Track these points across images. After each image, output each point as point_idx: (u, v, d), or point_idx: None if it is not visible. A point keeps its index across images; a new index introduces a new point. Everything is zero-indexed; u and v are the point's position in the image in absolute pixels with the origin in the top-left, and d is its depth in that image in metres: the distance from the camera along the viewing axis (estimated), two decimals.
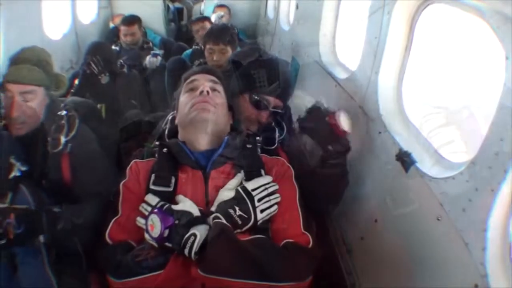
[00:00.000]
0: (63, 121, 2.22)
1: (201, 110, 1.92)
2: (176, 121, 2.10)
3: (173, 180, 1.87)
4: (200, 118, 1.91)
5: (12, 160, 1.87)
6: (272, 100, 2.32)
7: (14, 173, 1.84)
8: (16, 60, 2.22)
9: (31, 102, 2.14)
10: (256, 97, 2.30)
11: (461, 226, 1.42)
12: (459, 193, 1.45)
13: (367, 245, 1.89)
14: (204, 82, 2.04)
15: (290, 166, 2.00)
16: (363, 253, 1.93)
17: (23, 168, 1.88)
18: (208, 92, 1.97)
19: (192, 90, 2.04)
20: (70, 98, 2.73)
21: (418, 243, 1.67)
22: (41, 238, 1.73)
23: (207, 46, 3.84)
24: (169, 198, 1.82)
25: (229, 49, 3.78)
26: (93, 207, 1.99)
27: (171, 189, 1.85)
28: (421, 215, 1.67)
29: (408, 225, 1.76)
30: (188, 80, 2.12)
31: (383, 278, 1.91)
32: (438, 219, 1.53)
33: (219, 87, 2.10)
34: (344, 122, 1.89)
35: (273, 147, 2.29)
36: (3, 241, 1.68)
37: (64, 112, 2.27)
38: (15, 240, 1.65)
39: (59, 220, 1.81)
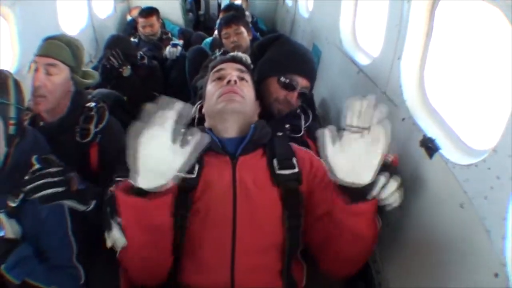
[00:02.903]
0: (92, 112, 2.28)
1: (229, 101, 1.91)
2: (203, 110, 2.11)
3: (197, 167, 1.85)
4: (228, 109, 1.91)
5: (34, 161, 1.84)
6: (300, 80, 2.34)
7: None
8: (48, 39, 2.34)
9: (53, 77, 2.22)
10: (284, 78, 2.31)
11: (483, 214, 1.42)
12: (481, 180, 1.44)
13: (391, 232, 1.90)
14: (232, 71, 2.05)
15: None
16: (388, 240, 1.93)
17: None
18: (235, 81, 1.97)
19: (219, 79, 2.04)
20: (97, 90, 2.78)
21: (441, 230, 1.66)
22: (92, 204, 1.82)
23: (222, 33, 3.96)
24: (193, 184, 1.82)
25: (242, 29, 3.89)
26: None
27: (194, 175, 1.83)
28: (445, 202, 1.66)
29: (432, 212, 1.76)
30: (215, 69, 2.12)
31: (407, 265, 1.91)
32: (462, 207, 1.53)
33: (247, 76, 2.10)
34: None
35: (299, 135, 2.31)
36: (61, 189, 1.75)
37: (93, 104, 2.33)
38: (78, 194, 1.71)
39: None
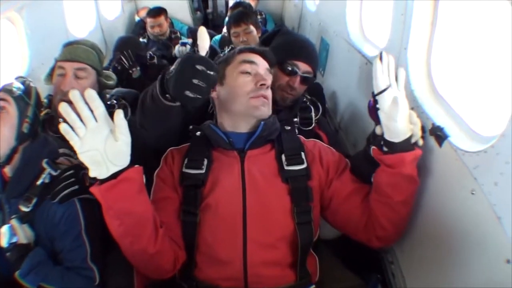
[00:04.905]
0: (114, 110, 2.31)
1: (261, 107, 1.90)
2: (215, 94, 2.04)
3: (205, 163, 1.87)
4: (258, 115, 1.92)
5: (44, 165, 1.88)
6: (301, 65, 2.40)
7: (42, 179, 1.86)
8: (71, 44, 2.38)
9: (83, 81, 2.28)
10: (285, 64, 2.38)
11: (494, 200, 1.41)
12: (491, 166, 1.44)
13: None
14: (262, 71, 1.98)
15: (344, 157, 2.04)
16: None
17: (55, 173, 1.88)
18: (268, 86, 1.94)
19: (248, 73, 1.95)
20: (115, 89, 2.80)
21: (452, 217, 1.66)
22: None
23: (231, 31, 3.95)
24: (202, 180, 1.84)
25: (252, 28, 3.88)
26: None
27: (203, 171, 1.86)
28: (455, 190, 1.65)
29: (443, 199, 1.76)
30: (244, 57, 2.02)
31: (419, 254, 1.92)
32: (472, 193, 1.52)
33: (271, 78, 2.04)
34: None
35: (310, 128, 2.33)
36: (76, 187, 1.84)
37: (114, 101, 2.35)
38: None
39: None
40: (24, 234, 1.80)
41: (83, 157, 1.48)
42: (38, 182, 1.85)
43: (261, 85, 1.91)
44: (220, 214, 1.79)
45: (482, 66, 2.07)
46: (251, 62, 1.99)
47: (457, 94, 1.99)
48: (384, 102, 1.72)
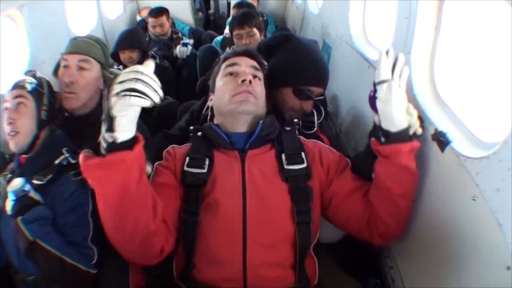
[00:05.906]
0: None
1: (243, 102, 1.91)
2: (211, 103, 2.13)
3: (207, 162, 1.87)
4: (241, 111, 1.92)
5: (64, 151, 2.00)
6: (315, 89, 2.34)
7: (60, 160, 1.97)
8: (77, 38, 2.46)
9: (85, 72, 2.32)
10: (300, 89, 2.31)
11: (495, 207, 1.41)
12: (493, 173, 1.43)
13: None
14: (246, 68, 2.03)
15: (344, 157, 2.03)
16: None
17: (73, 161, 1.97)
18: (250, 81, 1.95)
19: (231, 74, 2.02)
20: None
21: (453, 223, 1.65)
22: None
23: (234, 33, 3.90)
24: (204, 179, 1.84)
25: (255, 31, 3.83)
26: None
27: (205, 170, 1.86)
28: (457, 196, 1.65)
29: (444, 205, 1.75)
30: (228, 62, 2.09)
31: (419, 259, 1.91)
32: (474, 199, 1.52)
33: (260, 74, 2.09)
34: None
35: (312, 131, 2.31)
36: None
37: None
38: None
39: None
40: (35, 193, 1.88)
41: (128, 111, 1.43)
42: (56, 162, 1.98)
43: (242, 81, 1.95)
44: (220, 214, 1.78)
45: (485, 72, 2.06)
46: (233, 64, 2.06)
47: (460, 100, 1.98)
48: (382, 92, 1.73)
